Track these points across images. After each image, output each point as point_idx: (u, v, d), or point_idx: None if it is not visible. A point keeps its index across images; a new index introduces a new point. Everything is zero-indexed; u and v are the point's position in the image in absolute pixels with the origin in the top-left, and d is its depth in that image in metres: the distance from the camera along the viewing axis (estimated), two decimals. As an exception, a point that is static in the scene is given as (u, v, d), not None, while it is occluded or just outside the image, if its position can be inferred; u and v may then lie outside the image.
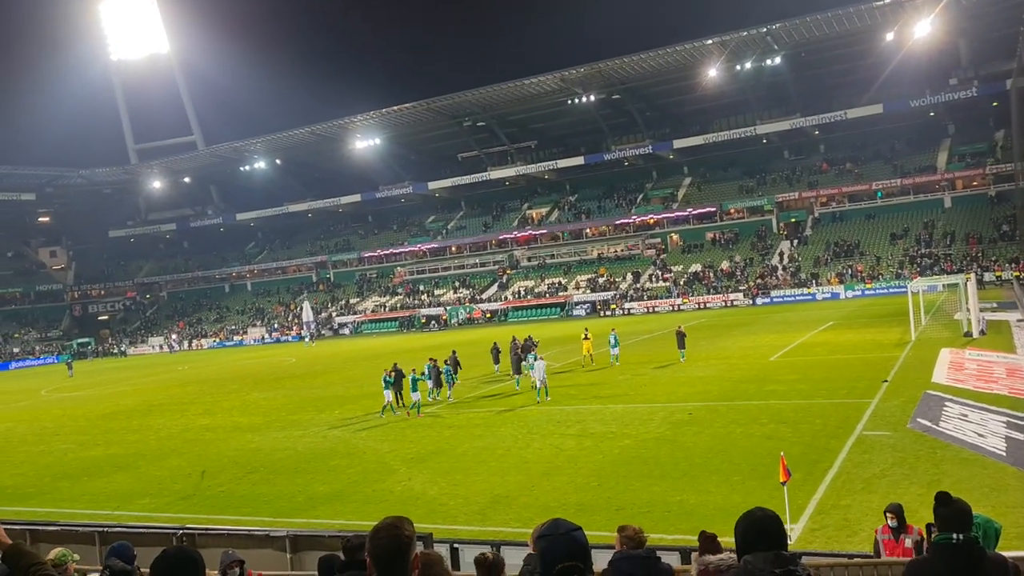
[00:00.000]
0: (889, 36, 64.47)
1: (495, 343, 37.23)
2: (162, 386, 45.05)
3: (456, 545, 10.09)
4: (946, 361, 25.81)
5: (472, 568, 5.89)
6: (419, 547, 3.38)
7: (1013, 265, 59.02)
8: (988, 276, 58.57)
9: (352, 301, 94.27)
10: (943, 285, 43.27)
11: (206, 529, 11.42)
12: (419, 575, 3.36)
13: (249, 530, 11.63)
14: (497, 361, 35.54)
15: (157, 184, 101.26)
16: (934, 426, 16.98)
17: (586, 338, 34.28)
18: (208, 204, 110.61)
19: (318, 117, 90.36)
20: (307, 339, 78.49)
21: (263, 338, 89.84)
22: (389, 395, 25.93)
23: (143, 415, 32.09)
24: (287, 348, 74.06)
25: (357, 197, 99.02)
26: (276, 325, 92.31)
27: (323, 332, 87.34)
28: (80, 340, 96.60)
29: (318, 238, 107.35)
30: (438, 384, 28.16)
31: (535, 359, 27.40)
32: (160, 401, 36.80)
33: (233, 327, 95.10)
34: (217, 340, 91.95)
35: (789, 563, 3.48)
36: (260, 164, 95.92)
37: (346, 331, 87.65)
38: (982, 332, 31.84)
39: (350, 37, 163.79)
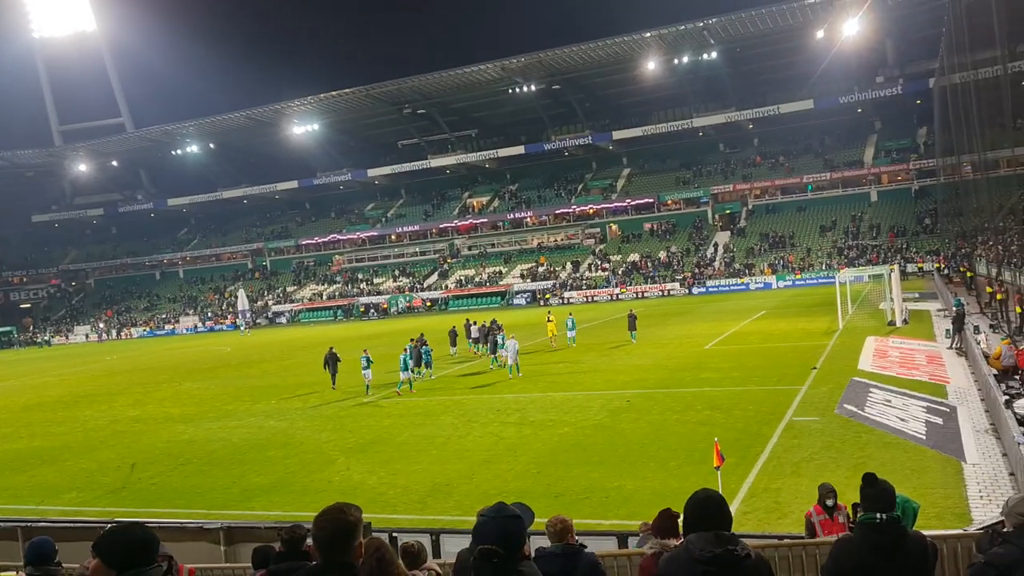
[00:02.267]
0: (820, 34, 66.17)
1: (453, 327, 38.38)
2: (89, 376, 43.74)
3: (395, 534, 10.06)
4: (871, 349, 26.67)
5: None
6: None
7: (934, 257, 61.29)
8: (911, 267, 60.73)
9: (289, 289, 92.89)
10: (869, 276, 44.75)
11: (136, 522, 11.18)
12: (367, 560, 3.37)
13: (181, 523, 11.42)
14: (454, 344, 37.17)
15: (83, 167, 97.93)
16: (860, 411, 17.57)
17: (549, 320, 36.36)
18: (138, 189, 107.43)
19: (254, 101, 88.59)
20: (242, 328, 77.09)
21: (196, 327, 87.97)
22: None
23: (69, 406, 31.11)
24: (221, 337, 72.61)
25: (294, 183, 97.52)
26: (210, 314, 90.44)
27: (259, 321, 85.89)
28: (0, 329, 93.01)
29: (254, 225, 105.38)
30: (418, 363, 28.96)
31: (504, 339, 28.87)
32: (87, 392, 35.73)
33: (164, 316, 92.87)
34: (148, 329, 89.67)
35: (728, 543, 3.59)
36: (193, 148, 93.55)
37: (283, 320, 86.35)
38: (905, 321, 33.01)
39: (288, 21, 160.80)
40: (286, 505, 14.48)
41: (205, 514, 13.79)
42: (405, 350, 27.64)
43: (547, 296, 73.54)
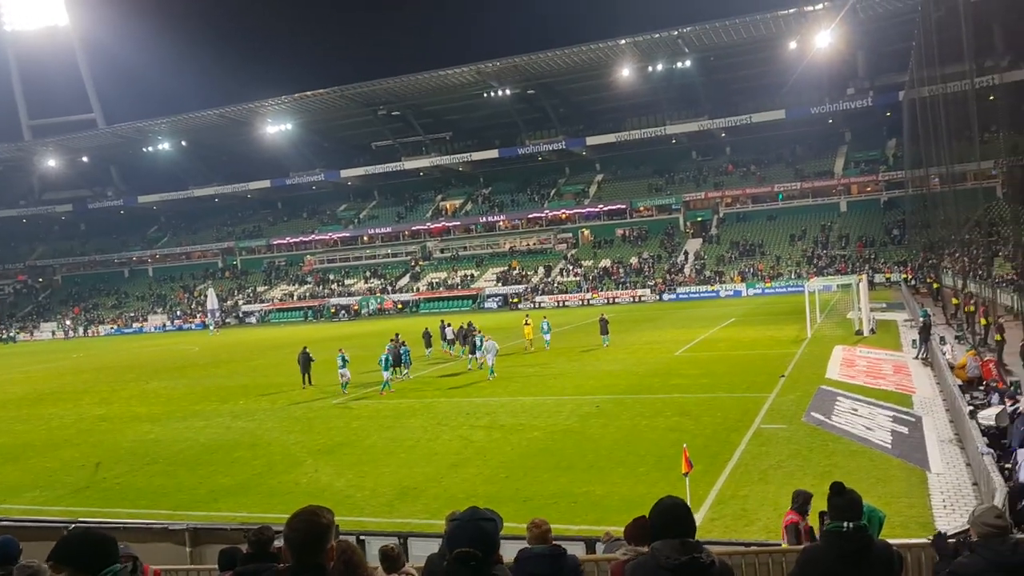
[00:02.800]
0: (792, 45, 67.09)
1: (427, 329, 38.59)
2: (55, 374, 43.03)
3: (363, 537, 10.01)
4: (839, 358, 26.98)
5: (376, 560, 5.93)
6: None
7: (901, 268, 62.19)
8: (879, 278, 61.59)
9: (260, 289, 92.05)
10: (837, 285, 45.31)
11: (100, 523, 11.02)
12: (336, 563, 3.36)
13: (147, 523, 11.27)
14: (429, 345, 37.41)
15: (53, 163, 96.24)
16: (827, 420, 17.76)
17: (527, 324, 36.85)
18: (108, 185, 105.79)
19: (228, 100, 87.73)
20: (211, 327, 76.26)
21: (164, 325, 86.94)
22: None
23: (33, 404, 30.59)
24: (190, 336, 71.79)
25: (267, 183, 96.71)
26: (179, 312, 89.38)
27: (228, 320, 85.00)
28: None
29: (225, 224, 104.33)
30: (398, 363, 29.08)
31: (483, 341, 29.17)
32: (52, 389, 35.14)
33: (132, 314, 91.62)
34: (115, 327, 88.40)
35: (694, 550, 3.62)
36: (164, 146, 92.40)
37: (252, 320, 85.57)
38: (872, 331, 33.44)
39: (264, 20, 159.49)
40: (253, 507, 14.34)
41: (170, 515, 13.64)
42: (386, 350, 27.96)
43: (516, 301, 73.60)
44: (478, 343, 29.93)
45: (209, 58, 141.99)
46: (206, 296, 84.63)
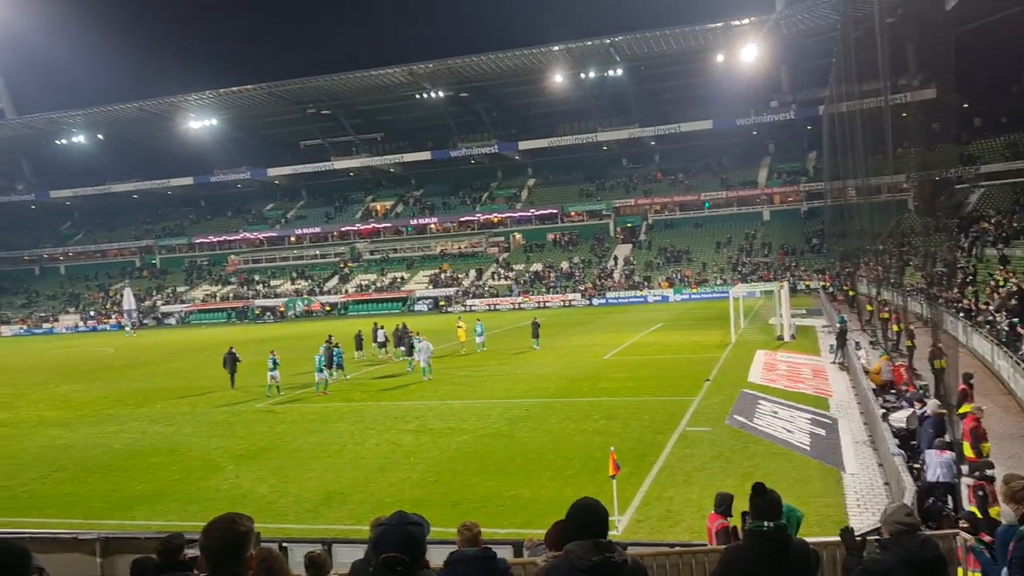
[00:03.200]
0: (720, 57, 68.87)
1: (359, 331, 38.28)
2: (-43, 376, 40.98)
3: (286, 544, 9.78)
4: (761, 362, 27.68)
5: (301, 568, 5.78)
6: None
7: (820, 276, 64.26)
8: (799, 285, 63.50)
9: (180, 289, 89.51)
10: (760, 292, 46.54)
11: (4, 533, 10.48)
12: (257, 572, 3.25)
13: (54, 533, 10.77)
14: (360, 348, 37.21)
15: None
16: (749, 422, 18.19)
17: (460, 327, 37.41)
18: (18, 179, 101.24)
19: (150, 93, 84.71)
20: (127, 328, 73.72)
21: (77, 326, 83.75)
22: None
23: (-67, 408, 29.03)
24: (105, 337, 69.30)
25: (190, 180, 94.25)
26: (93, 312, 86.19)
27: (146, 321, 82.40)
28: None
29: (144, 221, 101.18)
30: (329, 365, 28.67)
31: (419, 343, 29.49)
32: (-46, 392, 33.43)
33: (43, 313, 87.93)
34: (24, 327, 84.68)
35: (607, 550, 3.64)
36: (80, 139, 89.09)
37: (172, 321, 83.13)
38: (792, 336, 34.44)
39: (190, 13, 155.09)
40: (170, 514, 13.88)
41: (81, 523, 13.09)
42: (321, 351, 27.87)
43: (443, 304, 73.39)
44: (415, 345, 30.09)
45: (131, 50, 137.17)
46: (122, 296, 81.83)
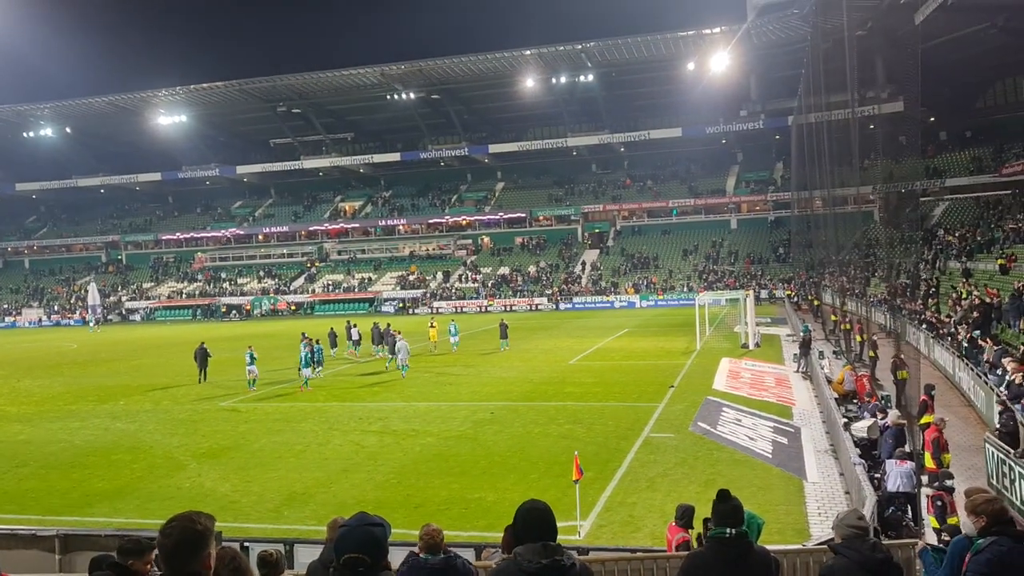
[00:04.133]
0: (690, 66, 69.45)
1: (332, 329, 38.74)
2: (-89, 370, 40.00)
3: (246, 543, 9.70)
4: (725, 370, 27.95)
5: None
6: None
7: (785, 285, 65.02)
8: (764, 294, 64.19)
9: (146, 285, 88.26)
10: (726, 300, 46.96)
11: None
12: (220, 570, 3.22)
13: (12, 529, 10.58)
14: (335, 345, 37.63)
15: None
16: (712, 429, 18.36)
17: (432, 327, 38.77)
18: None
19: (119, 87, 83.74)
20: (92, 324, 72.48)
21: (40, 320, 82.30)
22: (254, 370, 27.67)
23: None
24: (68, 332, 68.10)
25: (157, 175, 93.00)
26: (56, 307, 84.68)
27: (110, 317, 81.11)
28: None
29: (111, 216, 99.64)
30: (314, 362, 29.38)
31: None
32: (-92, 387, 32.63)
33: (6, 307, 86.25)
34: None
35: (555, 553, 3.66)
36: (47, 132, 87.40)
37: (137, 317, 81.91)
38: (757, 344, 34.80)
39: (161, 5, 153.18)
40: (130, 512, 13.71)
41: (40, 520, 12.91)
42: (302, 349, 28.24)
43: (405, 307, 73.24)
44: (400, 344, 30.85)
45: (101, 44, 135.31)
46: (87, 291, 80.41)
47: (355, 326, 38.93)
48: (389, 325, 36.64)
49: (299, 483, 15.16)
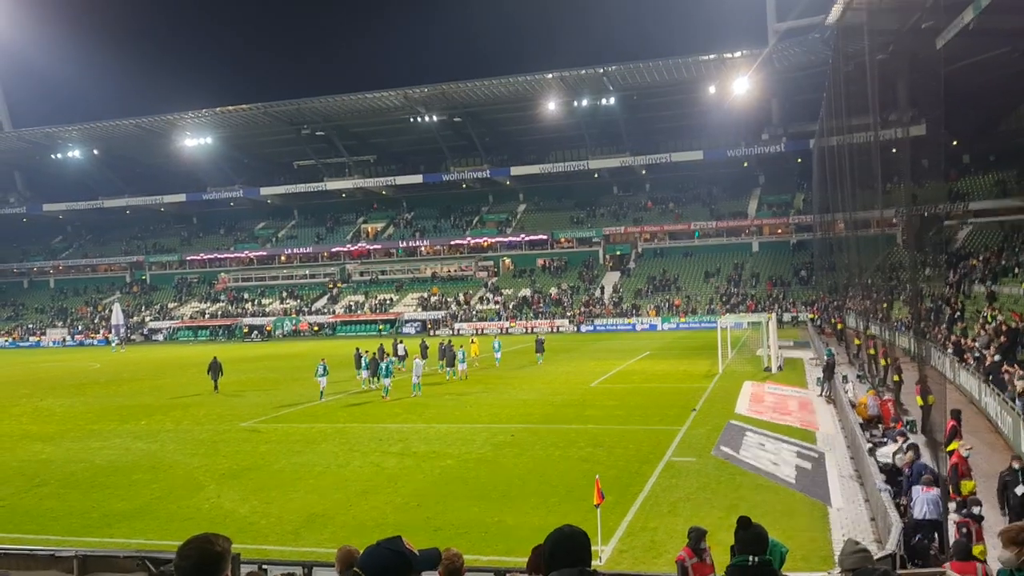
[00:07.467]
0: (712, 89, 69.56)
1: (380, 345, 37.86)
2: (-61, 388, 40.50)
3: (265, 566, 9.66)
4: (748, 393, 27.68)
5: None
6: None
7: (808, 308, 64.51)
8: (787, 316, 63.69)
9: (170, 306, 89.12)
10: (748, 323, 46.63)
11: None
12: None
13: (31, 549, 10.61)
14: (359, 367, 36.42)
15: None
16: (735, 454, 18.14)
17: (473, 342, 41.52)
18: (10, 191, 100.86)
19: (146, 110, 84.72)
20: (115, 343, 73.23)
21: (64, 340, 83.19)
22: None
23: (-87, 420, 28.65)
24: (91, 352, 68.79)
25: (182, 197, 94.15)
26: (80, 327, 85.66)
27: (133, 337, 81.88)
28: None
29: (135, 237, 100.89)
30: (374, 373, 31.57)
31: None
32: (-65, 405, 33.03)
33: (31, 326, 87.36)
34: (11, 340, 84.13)
35: None
36: (75, 153, 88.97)
37: (160, 337, 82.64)
38: (780, 368, 34.46)
39: (188, 31, 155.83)
40: (149, 532, 13.72)
41: (60, 540, 12.94)
42: (385, 358, 31.33)
43: (429, 328, 73.25)
44: (460, 357, 34.51)
45: (129, 67, 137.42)
46: (111, 311, 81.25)
47: (402, 342, 42.68)
48: (451, 341, 39.85)
49: (318, 505, 15.12)
